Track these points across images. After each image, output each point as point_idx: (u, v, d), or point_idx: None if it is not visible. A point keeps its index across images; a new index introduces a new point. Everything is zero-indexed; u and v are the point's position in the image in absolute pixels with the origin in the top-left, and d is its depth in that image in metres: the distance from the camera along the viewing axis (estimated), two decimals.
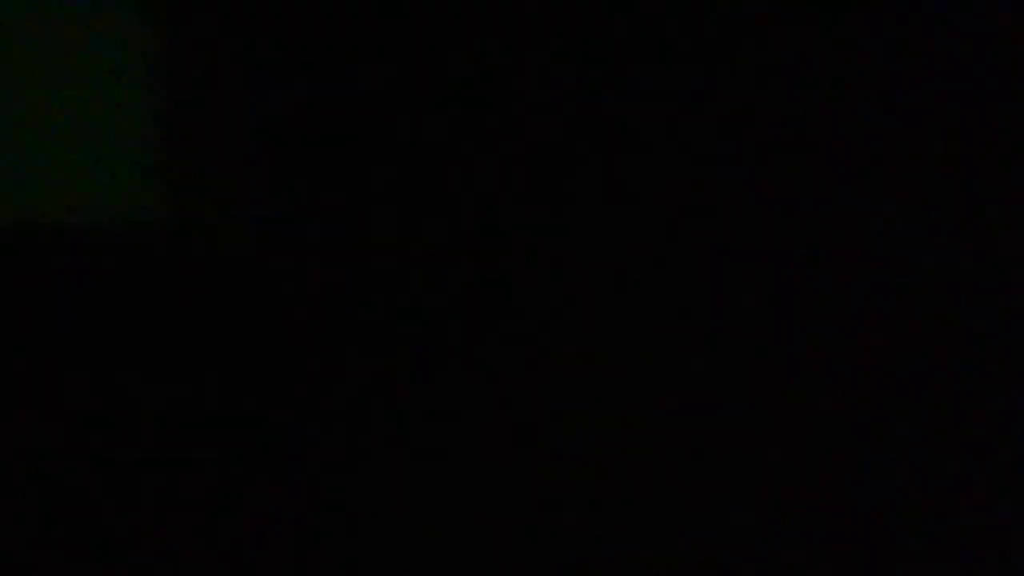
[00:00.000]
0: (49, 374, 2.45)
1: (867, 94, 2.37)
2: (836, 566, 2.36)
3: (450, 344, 2.37)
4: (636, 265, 2.38)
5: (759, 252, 2.37)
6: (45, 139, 2.47)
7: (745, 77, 2.34)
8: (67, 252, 2.49)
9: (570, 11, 2.39)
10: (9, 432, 2.39)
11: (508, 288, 2.39)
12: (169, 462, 2.40)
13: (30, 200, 2.46)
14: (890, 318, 2.37)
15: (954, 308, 2.37)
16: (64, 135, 2.47)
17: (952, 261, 2.39)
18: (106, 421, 2.41)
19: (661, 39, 2.36)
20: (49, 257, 2.49)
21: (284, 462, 2.44)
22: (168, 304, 2.48)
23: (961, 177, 2.38)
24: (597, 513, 2.39)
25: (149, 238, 2.51)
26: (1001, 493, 2.34)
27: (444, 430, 2.39)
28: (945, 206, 2.39)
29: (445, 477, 2.40)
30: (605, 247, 2.37)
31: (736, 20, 2.36)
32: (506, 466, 2.39)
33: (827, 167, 2.37)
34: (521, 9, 2.41)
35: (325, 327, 2.45)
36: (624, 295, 2.37)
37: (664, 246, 2.36)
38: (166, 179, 2.48)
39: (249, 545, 2.43)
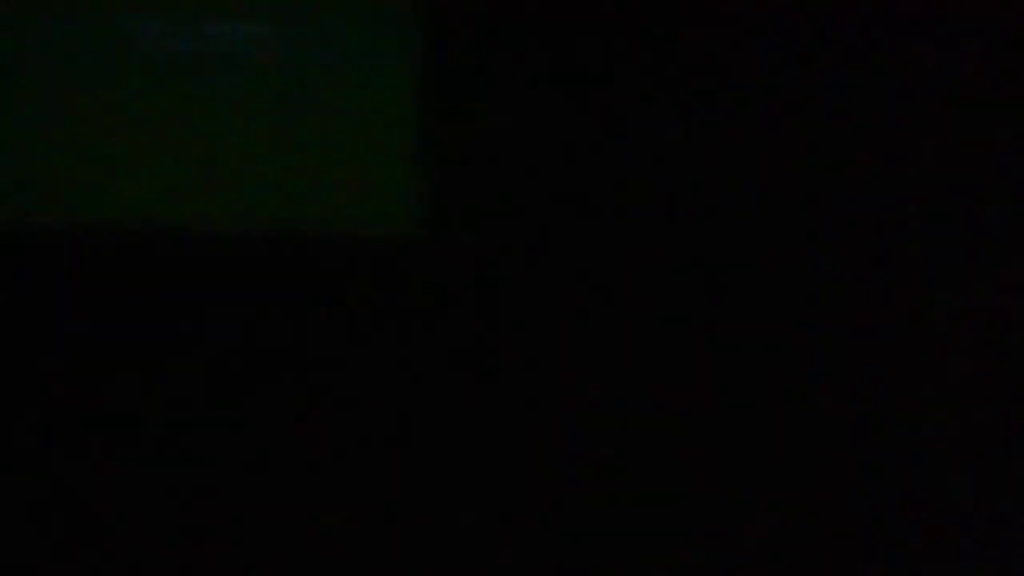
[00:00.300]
0: (316, 380, 2.55)
1: None
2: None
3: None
4: None
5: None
6: (314, 150, 2.60)
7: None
8: (329, 261, 2.62)
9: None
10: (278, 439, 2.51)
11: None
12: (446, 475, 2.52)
13: (295, 210, 2.60)
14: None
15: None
16: (332, 146, 2.60)
17: None
18: (369, 426, 2.53)
19: None
20: (311, 265, 2.61)
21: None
22: (430, 314, 2.58)
23: None
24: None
25: (414, 250, 2.61)
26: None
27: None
28: None
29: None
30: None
31: None
32: None
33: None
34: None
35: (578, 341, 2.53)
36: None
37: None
38: (432, 193, 2.58)
39: None
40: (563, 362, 2.56)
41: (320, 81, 2.61)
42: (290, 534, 2.53)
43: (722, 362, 2.54)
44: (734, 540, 2.46)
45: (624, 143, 2.56)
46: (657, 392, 2.53)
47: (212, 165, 2.59)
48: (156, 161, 2.57)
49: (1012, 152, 2.48)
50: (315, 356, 2.58)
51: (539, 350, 2.57)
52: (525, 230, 2.59)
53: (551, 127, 2.57)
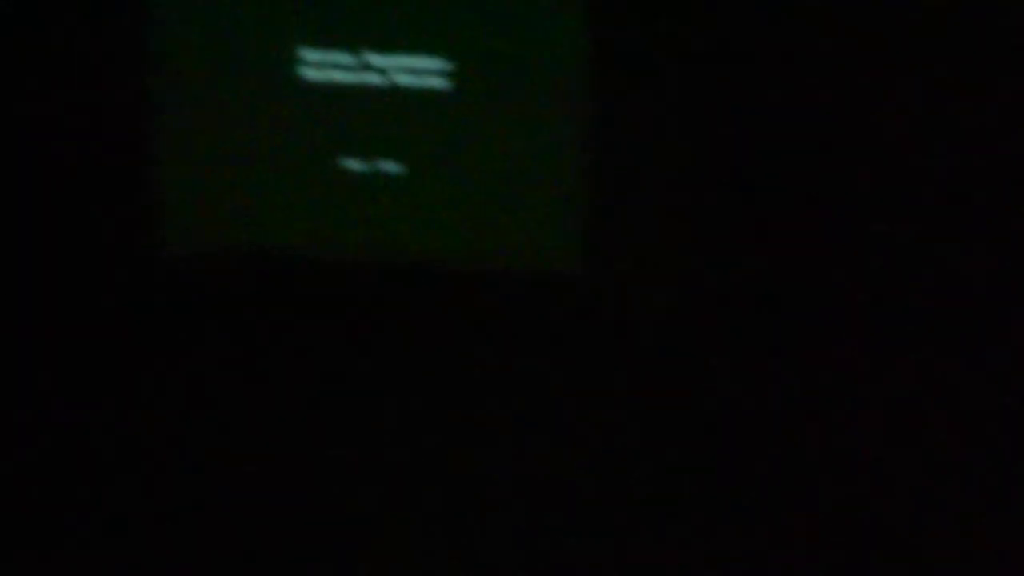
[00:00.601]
0: (475, 407, 2.70)
1: None
2: None
3: None
4: None
5: None
6: (477, 185, 2.71)
7: None
8: (485, 296, 2.72)
9: None
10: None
11: None
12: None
13: (456, 245, 2.71)
14: None
15: None
16: (494, 182, 2.70)
17: None
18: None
19: None
20: (468, 300, 2.71)
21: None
22: (584, 352, 2.68)
23: None
24: None
25: (572, 288, 2.68)
26: None
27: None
28: None
29: None
30: None
31: None
32: None
33: None
34: None
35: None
36: None
37: None
38: (592, 231, 2.66)
39: None
40: (717, 393, 2.65)
41: (482, 116, 2.69)
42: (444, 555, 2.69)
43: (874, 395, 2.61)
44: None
45: (770, 181, 2.62)
46: (813, 428, 2.61)
47: (378, 198, 2.73)
48: (326, 193, 2.73)
49: None
50: (476, 386, 2.71)
51: (694, 386, 2.66)
52: (674, 267, 2.64)
53: (709, 171, 2.64)
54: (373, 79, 2.70)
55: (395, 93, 2.70)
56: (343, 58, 2.69)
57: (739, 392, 2.64)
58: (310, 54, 2.70)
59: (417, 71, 2.69)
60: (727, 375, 2.65)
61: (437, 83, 2.69)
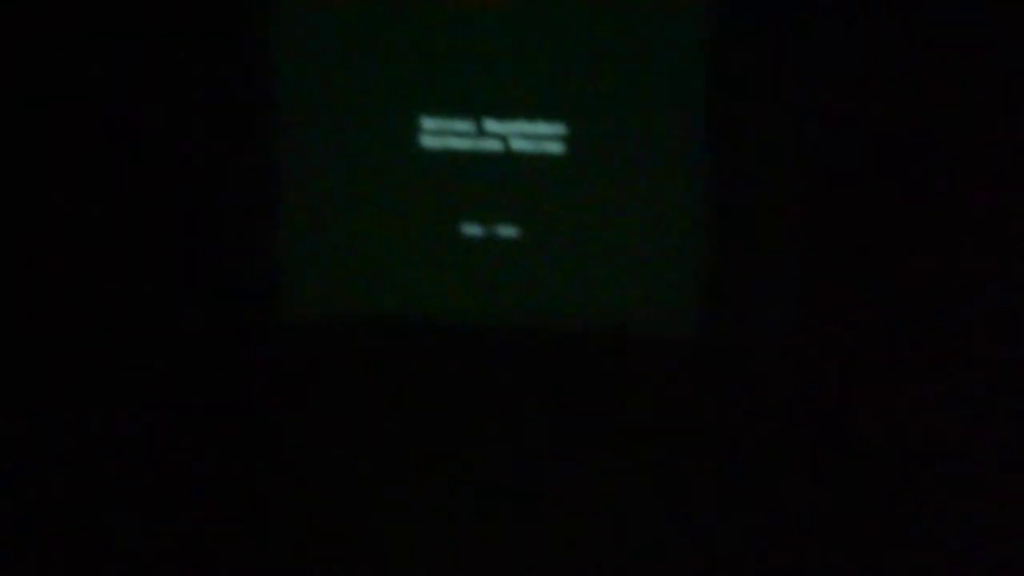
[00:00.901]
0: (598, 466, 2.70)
1: None
2: None
3: None
4: None
5: None
6: (595, 250, 2.75)
7: None
8: (603, 358, 2.74)
9: None
10: None
11: None
12: None
13: (572, 308, 2.75)
14: None
15: None
16: (613, 247, 2.74)
17: None
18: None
19: None
20: (585, 363, 2.74)
21: None
22: (701, 414, 2.69)
23: None
24: None
25: (688, 351, 2.70)
26: None
27: None
28: None
29: None
30: None
31: None
32: None
33: None
34: None
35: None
36: None
37: None
38: (709, 295, 2.69)
39: None
40: (836, 455, 2.65)
41: (598, 180, 2.73)
42: None
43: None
44: None
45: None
46: None
47: (495, 263, 2.77)
48: (444, 258, 2.77)
49: None
50: (592, 446, 2.73)
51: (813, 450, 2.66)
52: (793, 332, 2.64)
53: (826, 236, 2.65)
54: (490, 145, 2.74)
55: (512, 158, 2.74)
56: (461, 125, 2.74)
57: (858, 454, 2.63)
58: (429, 123, 2.75)
59: (534, 136, 2.73)
60: (844, 435, 2.64)
61: (554, 148, 2.73)
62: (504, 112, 2.73)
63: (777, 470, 2.66)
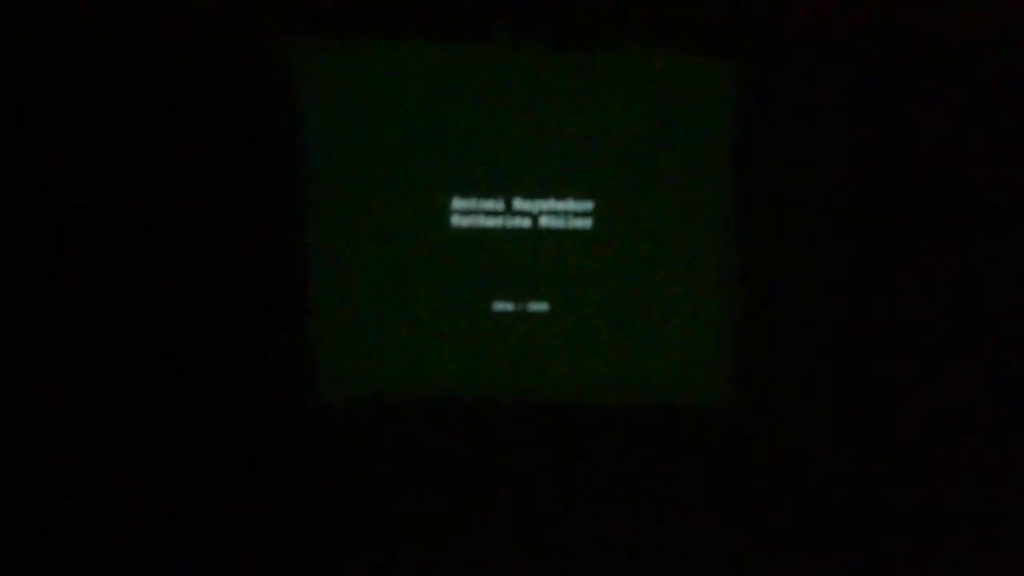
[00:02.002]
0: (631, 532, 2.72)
1: None
2: None
3: None
4: None
5: None
6: (630, 323, 2.79)
7: None
8: (641, 428, 2.76)
9: None
10: None
11: None
12: None
13: (605, 381, 2.78)
14: None
15: None
16: (646, 320, 2.78)
17: None
18: None
19: None
20: (618, 435, 2.76)
21: None
22: (736, 480, 2.72)
23: None
24: None
25: (715, 420, 2.75)
26: None
27: None
28: None
29: None
30: None
31: None
32: None
33: None
34: None
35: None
36: None
37: None
38: (735, 366, 2.75)
39: None
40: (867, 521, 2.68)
41: (634, 257, 2.78)
42: None
43: None
44: None
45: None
46: None
47: (526, 338, 2.80)
48: (475, 334, 2.80)
49: None
50: (626, 519, 2.74)
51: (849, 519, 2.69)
52: (825, 403, 2.70)
53: (854, 309, 2.71)
54: (519, 223, 2.79)
55: (541, 235, 2.78)
56: (491, 204, 2.79)
57: (889, 524, 2.68)
58: (459, 203, 2.79)
59: (562, 213, 2.79)
60: (874, 504, 2.69)
61: (582, 224, 2.79)
62: (532, 191, 2.78)
63: (809, 540, 2.69)
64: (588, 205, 2.78)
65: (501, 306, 2.80)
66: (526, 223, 2.79)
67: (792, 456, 2.71)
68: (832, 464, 2.70)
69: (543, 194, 2.78)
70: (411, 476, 2.77)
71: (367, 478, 2.78)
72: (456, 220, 2.79)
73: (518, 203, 2.78)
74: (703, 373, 2.77)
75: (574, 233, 2.78)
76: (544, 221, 2.79)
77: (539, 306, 2.80)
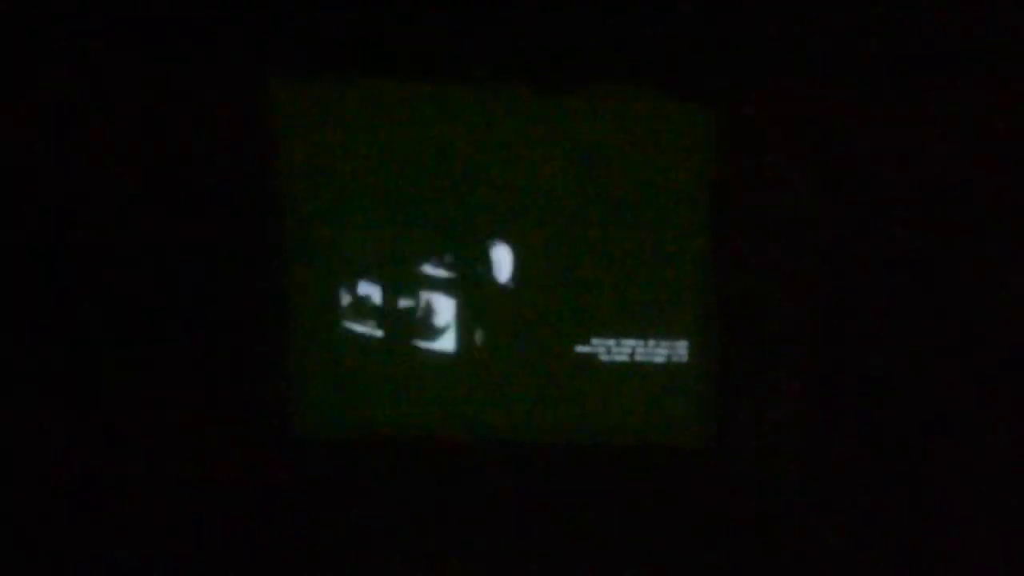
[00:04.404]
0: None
1: None
2: None
3: None
4: None
5: None
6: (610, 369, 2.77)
7: None
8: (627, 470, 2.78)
9: None
10: None
11: None
12: None
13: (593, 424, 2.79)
14: None
15: None
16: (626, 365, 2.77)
17: None
18: None
19: None
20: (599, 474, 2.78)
21: None
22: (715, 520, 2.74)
23: None
24: None
25: (697, 461, 2.76)
26: None
27: None
28: None
29: None
30: None
31: None
32: None
33: None
34: None
35: None
36: None
37: None
38: (719, 409, 2.75)
39: None
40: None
41: (610, 298, 2.77)
42: None
43: None
44: None
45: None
46: None
47: (505, 381, 2.82)
48: (446, 378, 2.82)
49: None
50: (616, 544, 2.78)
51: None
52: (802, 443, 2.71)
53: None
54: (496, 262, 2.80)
55: (517, 272, 2.79)
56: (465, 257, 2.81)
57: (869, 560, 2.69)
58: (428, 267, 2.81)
59: (541, 253, 2.79)
60: (855, 545, 2.69)
61: (558, 263, 2.79)
62: (510, 232, 2.79)
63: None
64: (568, 245, 2.78)
65: (483, 348, 2.81)
66: (504, 263, 2.79)
67: (769, 496, 2.73)
68: (808, 505, 2.71)
69: (520, 235, 2.77)
70: (387, 514, 2.82)
71: (343, 514, 2.83)
72: (432, 265, 2.81)
73: (498, 244, 2.79)
74: (681, 413, 2.78)
75: (551, 272, 2.79)
76: (522, 260, 2.79)
77: (519, 347, 2.81)
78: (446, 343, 2.81)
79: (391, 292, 2.82)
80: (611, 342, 2.78)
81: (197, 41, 2.69)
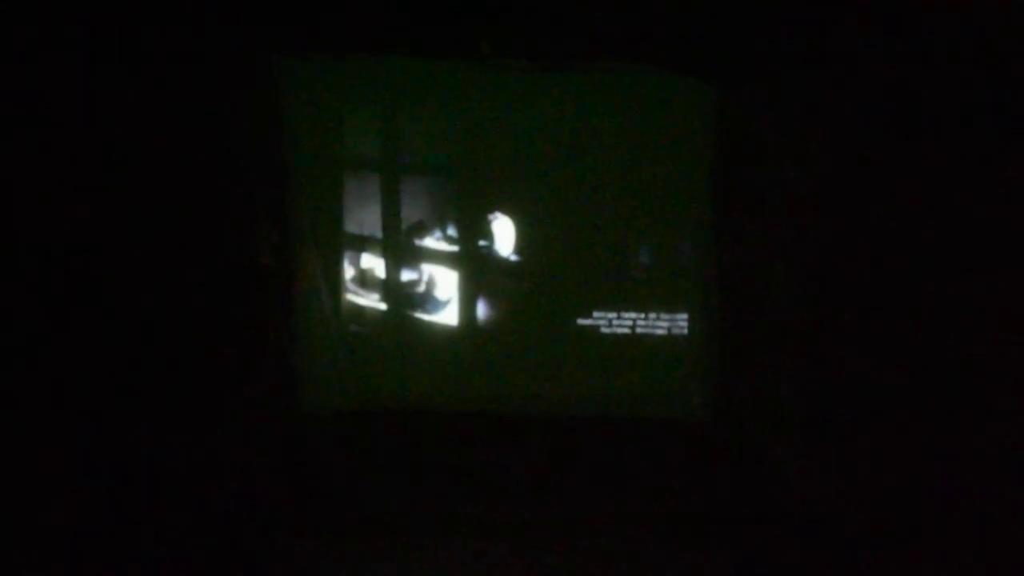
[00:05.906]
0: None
1: None
2: None
3: None
4: None
5: None
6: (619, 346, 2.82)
7: None
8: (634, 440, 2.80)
9: None
10: None
11: None
12: None
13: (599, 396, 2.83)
14: None
15: None
16: (634, 343, 2.81)
17: None
18: None
19: None
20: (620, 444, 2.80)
21: None
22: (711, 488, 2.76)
23: None
24: None
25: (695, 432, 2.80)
26: None
27: None
28: None
29: None
30: None
31: None
32: None
33: None
34: None
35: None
36: None
37: None
38: (719, 385, 2.80)
39: None
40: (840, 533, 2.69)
41: (614, 273, 2.81)
42: None
43: None
44: None
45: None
46: None
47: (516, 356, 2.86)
48: (453, 351, 2.86)
49: None
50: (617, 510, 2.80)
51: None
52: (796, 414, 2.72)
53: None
54: (499, 236, 2.83)
55: (520, 249, 2.83)
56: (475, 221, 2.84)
57: (865, 532, 2.67)
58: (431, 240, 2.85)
59: (542, 228, 2.83)
60: (853, 515, 2.69)
61: (562, 237, 2.82)
62: (514, 206, 2.83)
63: (786, 552, 2.72)
64: (570, 220, 2.81)
65: (486, 321, 2.84)
66: (507, 237, 2.83)
67: (767, 468, 2.76)
68: (806, 478, 2.72)
69: (522, 209, 2.81)
70: (394, 485, 2.84)
71: (351, 485, 2.84)
72: (435, 239, 2.84)
73: (500, 218, 2.82)
74: (682, 387, 2.82)
75: (553, 247, 2.82)
76: (524, 235, 2.82)
77: (522, 320, 2.84)
78: (449, 316, 2.84)
79: (394, 266, 2.84)
80: (612, 314, 2.82)
81: (200, 23, 2.69)
